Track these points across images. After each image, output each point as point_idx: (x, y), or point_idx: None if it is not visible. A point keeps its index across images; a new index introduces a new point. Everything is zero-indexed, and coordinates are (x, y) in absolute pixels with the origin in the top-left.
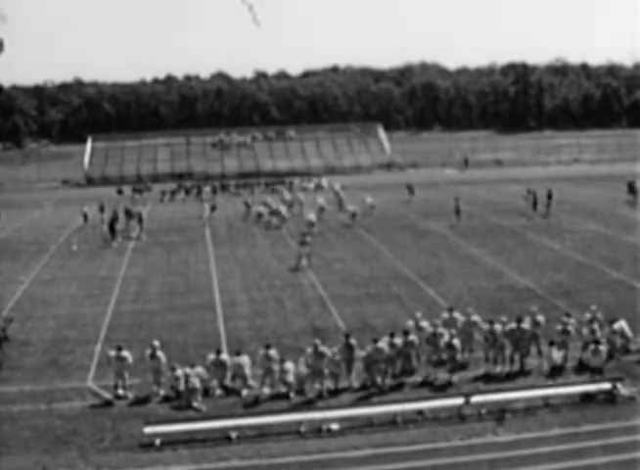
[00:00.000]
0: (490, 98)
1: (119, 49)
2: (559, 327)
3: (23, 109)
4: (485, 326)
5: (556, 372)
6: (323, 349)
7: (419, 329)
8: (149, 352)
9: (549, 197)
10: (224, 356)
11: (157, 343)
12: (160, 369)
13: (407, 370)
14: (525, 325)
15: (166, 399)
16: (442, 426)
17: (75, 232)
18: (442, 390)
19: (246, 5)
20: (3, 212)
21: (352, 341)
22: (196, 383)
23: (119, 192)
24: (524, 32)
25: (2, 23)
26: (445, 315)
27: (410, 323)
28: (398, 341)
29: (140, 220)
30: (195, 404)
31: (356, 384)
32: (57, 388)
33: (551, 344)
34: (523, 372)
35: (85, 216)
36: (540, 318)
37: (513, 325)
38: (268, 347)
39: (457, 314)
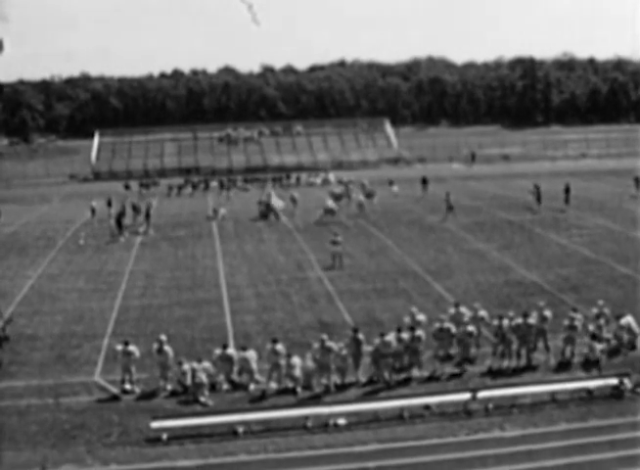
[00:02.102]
0: (497, 93)
1: (126, 43)
2: (566, 322)
3: (31, 104)
4: (495, 322)
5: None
6: (330, 343)
7: (416, 323)
8: (156, 346)
9: (567, 191)
10: (230, 351)
11: (164, 337)
12: (167, 364)
13: (414, 364)
14: (532, 320)
15: (173, 393)
16: (449, 421)
17: (83, 227)
18: (455, 380)
19: (245, 4)
20: (9, 207)
21: (360, 335)
22: (203, 378)
23: (127, 187)
24: (531, 27)
25: (2, 23)
26: (452, 310)
27: (407, 319)
28: (405, 335)
29: (147, 215)
30: (202, 399)
31: (363, 379)
32: (64, 382)
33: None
34: (529, 367)
35: (93, 210)
36: (547, 313)
37: (519, 320)
38: (275, 341)
39: (464, 309)
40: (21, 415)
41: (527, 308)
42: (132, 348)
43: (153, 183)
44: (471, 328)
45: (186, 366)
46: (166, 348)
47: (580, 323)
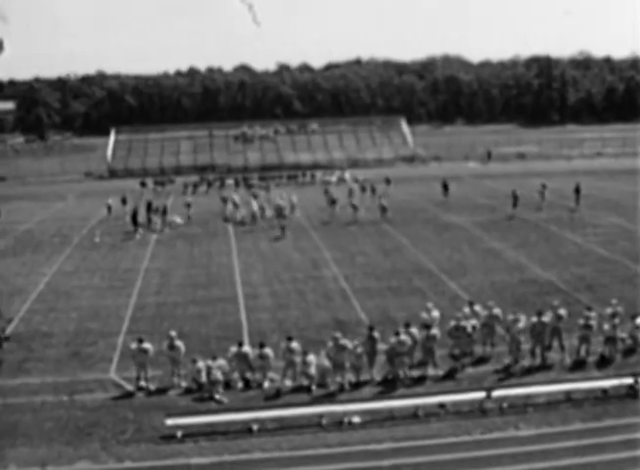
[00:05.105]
0: (513, 91)
1: (142, 41)
2: (581, 321)
3: (47, 101)
4: (510, 317)
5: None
6: (344, 341)
7: (432, 319)
8: (167, 342)
9: (577, 191)
10: (246, 348)
11: (174, 333)
12: (178, 359)
13: (429, 362)
14: (546, 319)
15: (188, 390)
16: (464, 420)
17: (99, 224)
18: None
19: (245, 5)
20: (25, 204)
21: (376, 333)
22: (218, 375)
23: (142, 184)
24: (547, 25)
25: (2, 24)
26: (466, 309)
27: (425, 316)
28: (415, 331)
29: (164, 213)
30: (217, 396)
31: (378, 377)
32: (79, 379)
33: None
34: (544, 366)
35: (109, 208)
36: (562, 312)
37: (534, 319)
38: (290, 339)
39: (478, 308)
40: (36, 412)
41: (542, 307)
42: (147, 345)
43: (168, 181)
44: (473, 322)
45: (200, 364)
46: (178, 343)
47: (596, 322)
